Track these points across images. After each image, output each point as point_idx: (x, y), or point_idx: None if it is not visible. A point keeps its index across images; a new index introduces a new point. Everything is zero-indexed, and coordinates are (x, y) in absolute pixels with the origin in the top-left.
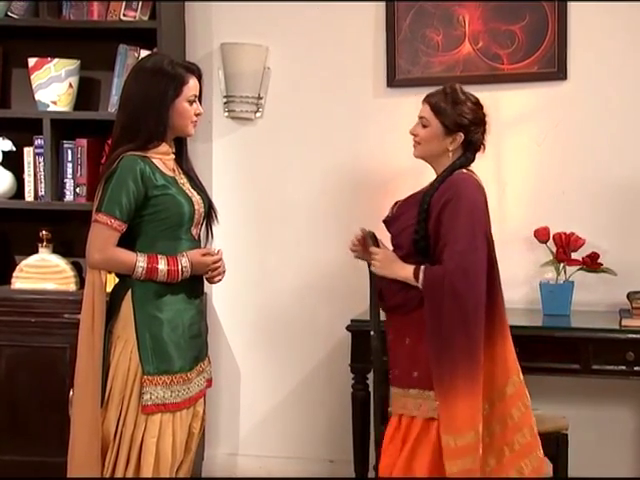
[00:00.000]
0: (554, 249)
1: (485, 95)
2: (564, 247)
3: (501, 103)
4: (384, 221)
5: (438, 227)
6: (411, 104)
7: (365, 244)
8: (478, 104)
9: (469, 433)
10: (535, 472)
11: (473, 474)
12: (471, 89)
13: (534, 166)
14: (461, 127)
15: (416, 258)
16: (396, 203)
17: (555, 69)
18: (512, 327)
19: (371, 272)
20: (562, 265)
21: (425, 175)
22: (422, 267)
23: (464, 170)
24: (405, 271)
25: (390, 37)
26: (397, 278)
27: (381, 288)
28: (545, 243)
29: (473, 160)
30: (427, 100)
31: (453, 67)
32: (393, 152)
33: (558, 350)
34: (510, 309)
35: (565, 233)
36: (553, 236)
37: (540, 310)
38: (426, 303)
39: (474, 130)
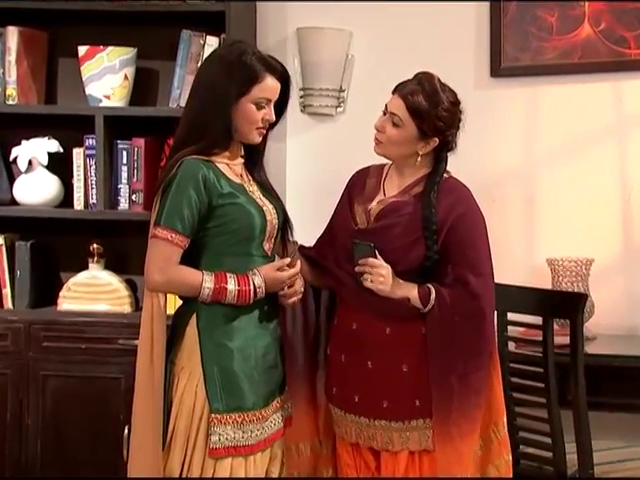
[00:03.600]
0: None
1: (607, 85)
2: None
3: (626, 94)
4: (360, 230)
5: (448, 243)
6: (519, 97)
7: (356, 256)
8: (456, 102)
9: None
10: None
11: None
12: (592, 78)
13: None
14: (438, 132)
15: (413, 276)
16: (350, 201)
17: None
18: None
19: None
20: None
21: (543, 183)
22: (432, 288)
23: (447, 174)
24: (407, 291)
25: (495, 18)
26: (395, 297)
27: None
28: None
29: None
30: (402, 95)
31: (570, 53)
32: (497, 152)
33: None
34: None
35: None
36: None
37: None
38: (438, 329)
39: (450, 134)
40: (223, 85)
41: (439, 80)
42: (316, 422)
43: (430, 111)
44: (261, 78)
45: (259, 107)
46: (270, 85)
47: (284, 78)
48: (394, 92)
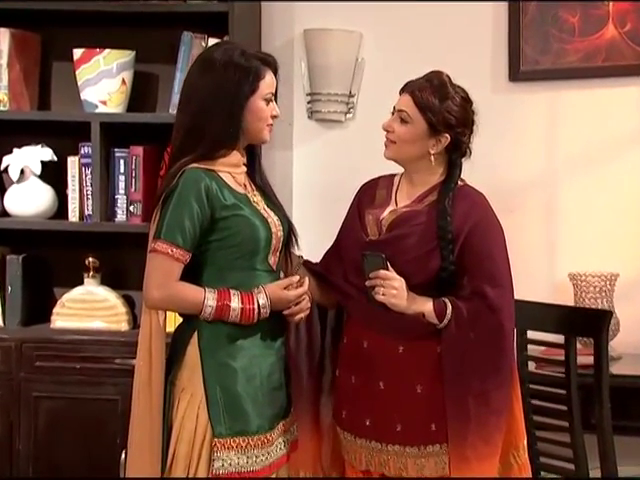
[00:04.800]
0: None
1: (632, 89)
2: None
3: None
4: (371, 242)
5: (464, 253)
6: (540, 102)
7: (367, 269)
8: (467, 100)
9: None
10: None
11: None
12: (616, 82)
13: None
14: (448, 127)
15: (427, 290)
16: (360, 212)
17: None
18: None
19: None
20: None
21: (564, 193)
22: (447, 302)
23: (461, 182)
24: (421, 305)
25: (514, 19)
26: (408, 312)
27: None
28: None
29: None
30: (409, 91)
31: (593, 55)
32: (516, 160)
33: None
34: None
35: None
36: None
37: None
38: (454, 345)
39: (461, 132)
40: (229, 87)
41: (448, 76)
42: (319, 450)
43: (439, 104)
44: (263, 73)
45: (267, 103)
46: (271, 79)
47: (275, 68)
48: (401, 91)
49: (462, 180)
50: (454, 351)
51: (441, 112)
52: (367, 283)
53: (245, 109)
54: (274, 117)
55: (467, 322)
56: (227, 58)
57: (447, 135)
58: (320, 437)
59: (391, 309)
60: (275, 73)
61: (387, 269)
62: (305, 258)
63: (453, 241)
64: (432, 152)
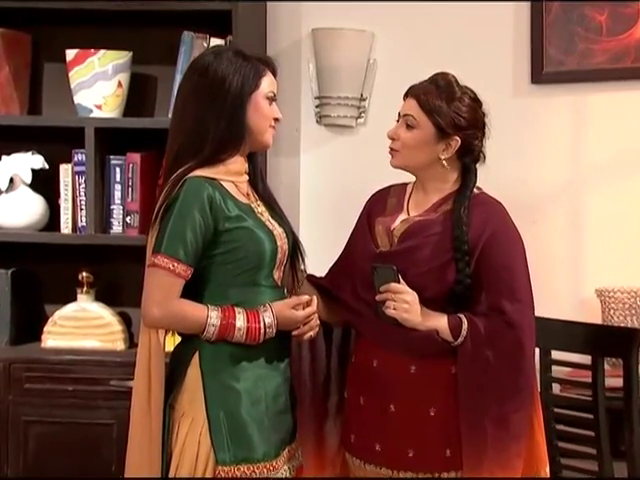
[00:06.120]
0: None
1: None
2: None
3: None
4: (382, 253)
5: (480, 265)
6: (564, 105)
7: (377, 282)
8: (477, 100)
9: None
10: None
11: None
12: None
13: None
14: (458, 129)
15: (441, 304)
16: (370, 222)
17: None
18: None
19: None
20: None
21: (591, 204)
22: (463, 319)
23: (478, 190)
24: (435, 321)
25: (536, 18)
26: (421, 328)
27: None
28: None
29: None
30: (414, 94)
31: (621, 56)
32: (539, 168)
33: None
34: None
35: None
36: None
37: None
38: (470, 364)
39: (472, 134)
40: (231, 85)
41: (455, 77)
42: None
43: (447, 106)
44: (264, 71)
45: (270, 103)
46: (271, 78)
47: (273, 70)
48: (406, 96)
49: (479, 188)
50: (470, 371)
51: (449, 114)
52: (377, 297)
53: (248, 106)
54: (276, 120)
55: (484, 339)
56: (224, 59)
57: (457, 138)
58: (325, 464)
59: (403, 325)
60: (274, 74)
61: (398, 282)
62: (309, 272)
63: (469, 252)
64: (442, 157)
